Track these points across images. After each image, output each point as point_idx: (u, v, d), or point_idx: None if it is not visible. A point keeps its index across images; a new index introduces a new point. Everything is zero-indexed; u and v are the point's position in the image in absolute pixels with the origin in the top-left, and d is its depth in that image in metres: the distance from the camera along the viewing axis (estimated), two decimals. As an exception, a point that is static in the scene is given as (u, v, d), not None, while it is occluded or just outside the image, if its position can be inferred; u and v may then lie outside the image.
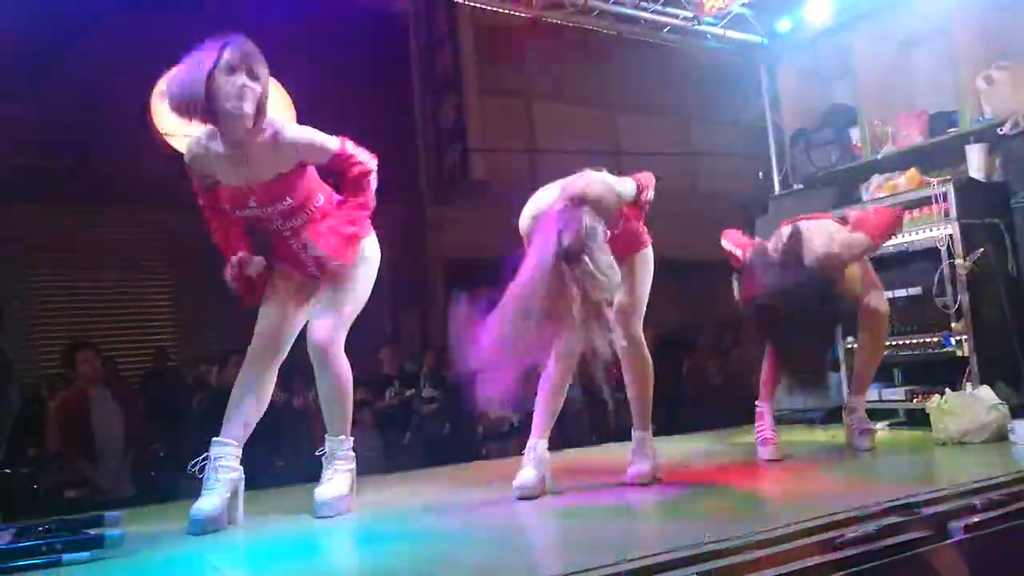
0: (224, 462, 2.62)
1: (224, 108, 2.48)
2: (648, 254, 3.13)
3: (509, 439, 6.77)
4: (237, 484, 2.66)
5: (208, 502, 2.55)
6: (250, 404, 2.74)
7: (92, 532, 2.33)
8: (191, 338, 8.19)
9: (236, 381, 2.80)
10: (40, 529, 2.39)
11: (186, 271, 8.12)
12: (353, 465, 2.88)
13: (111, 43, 7.31)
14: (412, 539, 2.45)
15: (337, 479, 2.80)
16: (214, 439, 2.67)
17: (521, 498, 2.84)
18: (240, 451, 2.70)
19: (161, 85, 7.77)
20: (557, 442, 3.39)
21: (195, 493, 2.63)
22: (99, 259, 7.96)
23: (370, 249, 2.96)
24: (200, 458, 2.62)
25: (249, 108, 2.50)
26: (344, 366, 2.80)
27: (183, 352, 7.93)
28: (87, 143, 7.41)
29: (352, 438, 2.90)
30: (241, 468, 2.68)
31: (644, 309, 3.10)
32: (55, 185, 7.43)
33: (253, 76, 2.51)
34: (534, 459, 2.96)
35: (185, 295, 8.25)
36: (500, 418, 6.77)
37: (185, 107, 2.50)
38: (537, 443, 3.01)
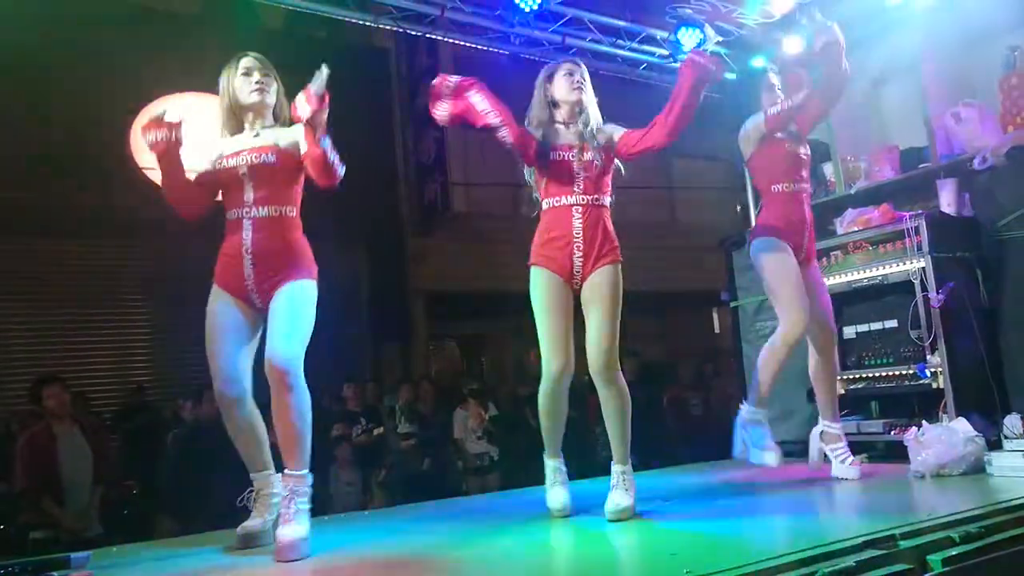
0: (264, 490, 2.92)
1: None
2: (620, 270, 3.10)
3: (490, 473, 6.73)
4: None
5: (254, 522, 2.87)
6: (255, 434, 2.92)
7: (57, 575, 2.26)
8: (166, 373, 8.08)
9: (228, 426, 2.91)
10: (4, 572, 2.32)
11: (161, 304, 8.04)
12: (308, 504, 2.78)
13: (87, 73, 7.31)
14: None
15: (299, 519, 2.69)
16: (252, 474, 2.94)
17: (561, 517, 3.09)
18: (277, 475, 2.90)
19: (141, 118, 7.81)
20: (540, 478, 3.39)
21: (169, 531, 2.59)
22: (72, 292, 7.85)
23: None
24: (245, 492, 2.97)
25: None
26: (305, 392, 2.76)
27: (158, 387, 7.82)
28: (62, 174, 7.36)
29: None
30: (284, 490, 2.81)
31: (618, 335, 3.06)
32: (28, 217, 7.35)
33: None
34: (561, 479, 3.21)
35: (160, 329, 8.15)
36: (480, 454, 6.73)
37: None
38: (559, 464, 3.24)
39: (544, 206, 3.16)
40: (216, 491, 3.59)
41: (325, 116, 2.74)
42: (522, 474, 6.68)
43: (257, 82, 2.95)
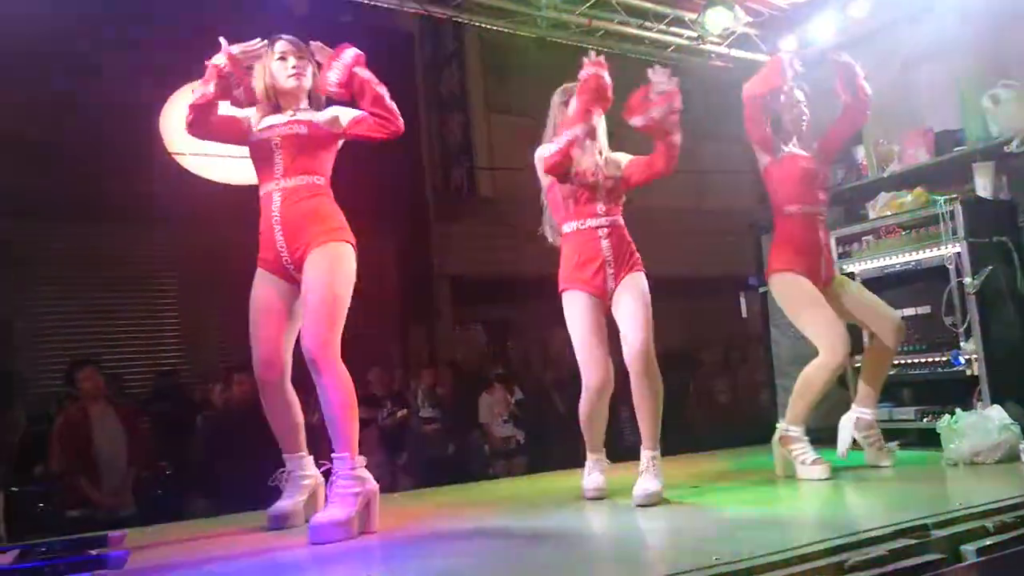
0: (298, 472, 2.97)
1: None
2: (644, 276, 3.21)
3: (516, 457, 6.75)
4: (314, 487, 2.97)
5: (285, 503, 2.92)
6: (289, 416, 2.97)
7: (95, 553, 2.31)
8: (198, 355, 8.19)
9: (264, 405, 2.96)
10: (43, 550, 2.38)
11: (193, 288, 8.13)
12: (360, 488, 2.73)
13: (119, 59, 7.37)
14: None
15: (338, 503, 2.69)
16: (285, 455, 2.99)
17: (596, 498, 3.18)
18: (310, 456, 3.00)
19: (170, 102, 7.88)
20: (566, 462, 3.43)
21: (200, 512, 2.64)
22: (107, 276, 7.97)
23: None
24: (278, 472, 3.00)
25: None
26: (341, 374, 2.75)
27: (190, 369, 7.93)
28: (93, 160, 7.45)
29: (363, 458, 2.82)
30: (317, 472, 2.96)
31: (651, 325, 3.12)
32: (61, 202, 7.46)
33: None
34: (600, 468, 3.30)
35: (192, 313, 8.25)
36: (506, 437, 6.76)
37: None
38: (601, 456, 3.32)
39: (567, 229, 3.24)
40: (248, 472, 3.63)
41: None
42: (548, 457, 6.71)
43: (294, 67, 2.98)
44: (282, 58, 2.99)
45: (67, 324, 7.71)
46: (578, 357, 3.19)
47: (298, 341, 2.81)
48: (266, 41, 2.99)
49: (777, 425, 3.68)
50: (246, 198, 3.05)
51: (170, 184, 7.43)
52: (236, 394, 5.46)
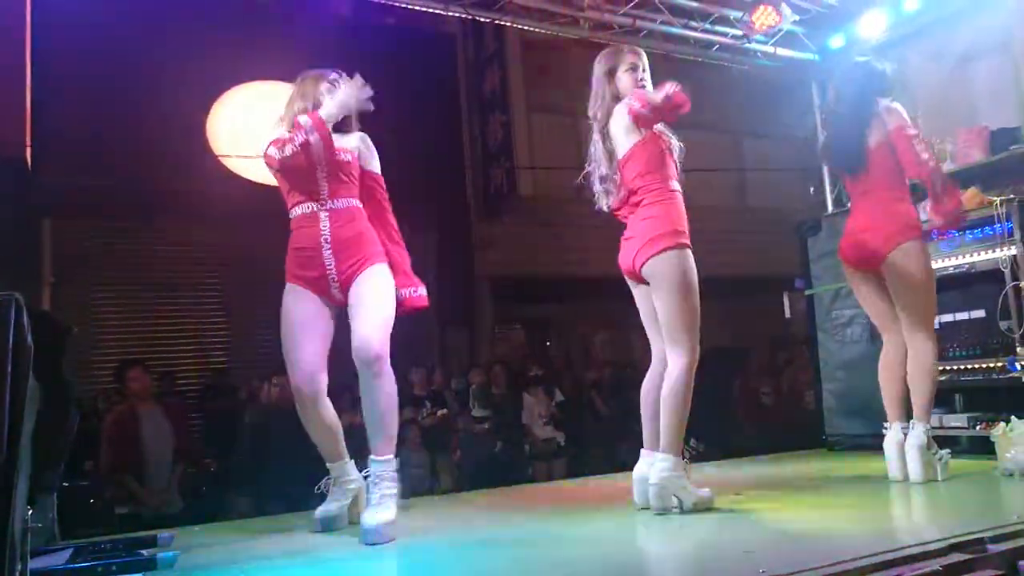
0: (342, 478, 3.02)
1: None
2: (679, 255, 2.99)
3: (557, 459, 6.73)
4: (356, 492, 3.02)
5: (331, 506, 2.98)
6: (332, 426, 3.02)
7: (146, 553, 2.36)
8: (245, 355, 8.32)
9: (303, 420, 2.99)
10: (95, 550, 2.44)
11: (240, 288, 8.27)
12: (397, 488, 2.87)
13: (168, 63, 7.52)
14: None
15: (385, 504, 2.78)
16: (329, 464, 3.03)
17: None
18: (351, 462, 3.06)
19: (218, 105, 8.02)
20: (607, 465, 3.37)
21: (246, 511, 2.69)
22: (158, 276, 8.15)
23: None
24: (325, 479, 3.05)
25: None
26: (392, 377, 2.86)
27: (237, 369, 8.06)
28: (144, 162, 7.62)
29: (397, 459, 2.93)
30: (360, 476, 2.99)
31: (685, 318, 2.96)
32: (111, 204, 7.64)
33: None
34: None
35: (239, 312, 8.39)
36: (547, 439, 6.74)
37: None
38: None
39: (670, 187, 3.08)
40: (292, 472, 3.68)
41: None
42: (589, 460, 6.69)
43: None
44: (333, 83, 3.07)
45: (118, 324, 7.90)
46: (689, 325, 2.97)
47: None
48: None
49: (914, 426, 3.46)
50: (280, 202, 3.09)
51: (217, 185, 7.57)
52: (280, 395, 5.54)
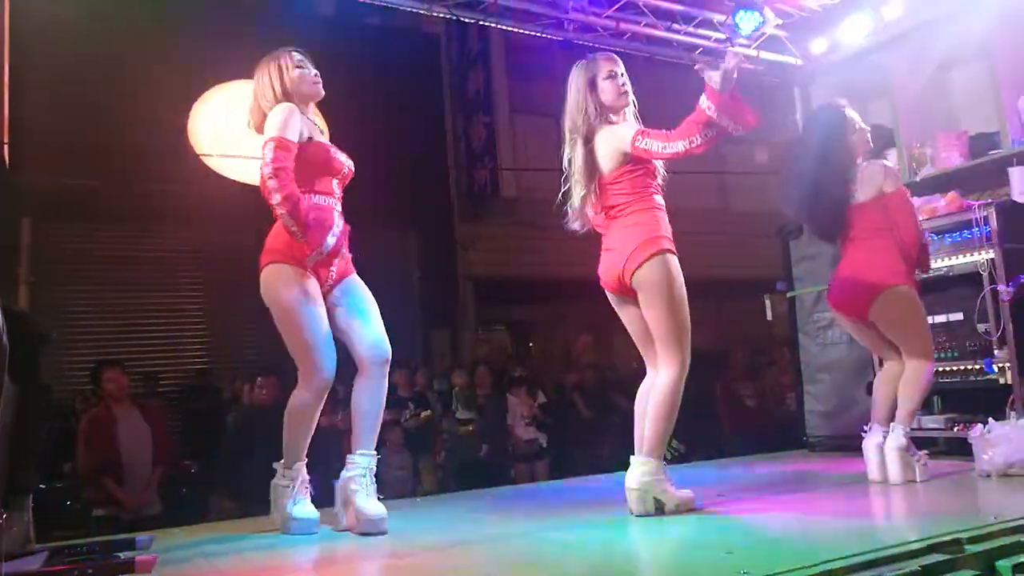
0: (303, 478, 2.98)
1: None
2: (664, 261, 2.97)
3: (540, 460, 6.73)
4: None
5: (311, 507, 2.95)
6: (314, 424, 3.02)
7: (123, 556, 2.33)
8: (224, 356, 8.27)
9: (304, 413, 2.96)
10: (72, 552, 2.40)
11: (220, 289, 8.20)
12: None
13: (149, 63, 7.46)
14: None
15: (375, 496, 2.87)
16: (296, 463, 2.97)
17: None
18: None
19: (198, 105, 7.96)
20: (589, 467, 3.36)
21: (226, 512, 2.68)
22: (135, 276, 8.07)
23: None
24: (299, 481, 2.97)
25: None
26: None
27: (216, 370, 8.00)
28: (125, 162, 7.54)
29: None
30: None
31: (678, 327, 2.96)
32: (91, 203, 7.56)
33: None
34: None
35: (220, 313, 8.33)
36: (529, 440, 6.73)
37: None
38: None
39: (658, 201, 3.08)
40: (273, 474, 3.65)
41: None
42: (571, 462, 6.69)
43: (316, 76, 3.06)
44: (301, 66, 3.04)
45: (96, 324, 7.82)
46: (675, 333, 2.96)
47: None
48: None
49: (894, 429, 3.51)
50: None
51: (198, 185, 7.51)
52: (264, 395, 5.51)
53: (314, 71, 3.07)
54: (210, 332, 8.44)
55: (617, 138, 3.04)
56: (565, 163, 3.19)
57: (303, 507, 2.93)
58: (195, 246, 8.31)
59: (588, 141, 3.09)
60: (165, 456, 5.29)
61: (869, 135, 3.68)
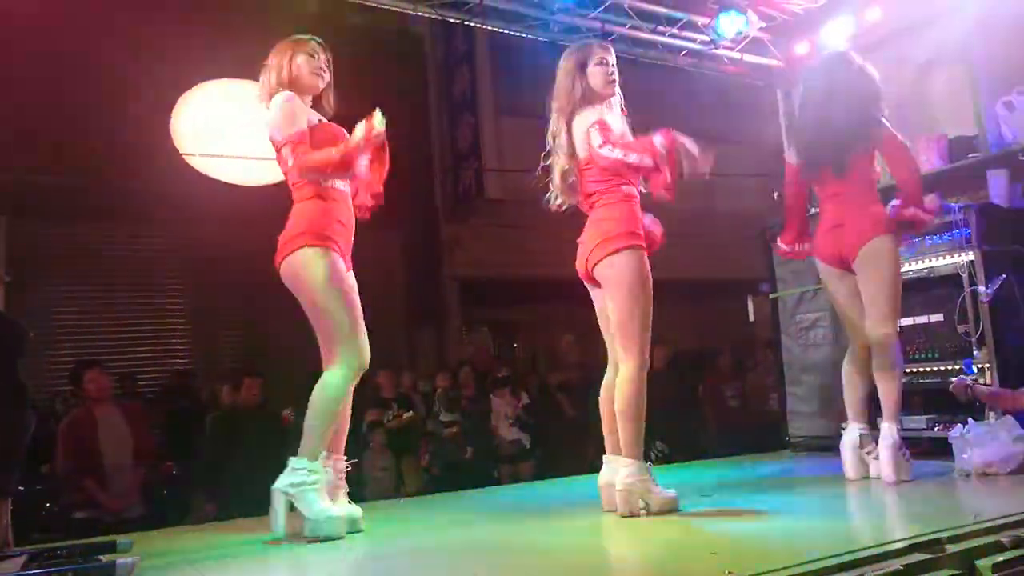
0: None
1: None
2: (630, 256, 3.00)
3: (524, 461, 6.72)
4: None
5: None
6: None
7: (103, 559, 2.30)
8: (206, 358, 8.20)
9: (343, 403, 2.90)
10: (51, 556, 2.37)
11: (203, 289, 8.14)
12: None
13: (130, 60, 7.39)
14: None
15: None
16: (337, 457, 2.92)
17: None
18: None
19: (181, 103, 7.89)
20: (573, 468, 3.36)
21: (208, 514, 2.63)
22: (116, 276, 8.00)
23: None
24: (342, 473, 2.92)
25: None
26: None
27: (198, 372, 7.93)
28: (105, 160, 7.47)
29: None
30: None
31: (637, 320, 2.99)
32: (71, 202, 7.48)
33: None
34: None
35: (202, 313, 8.27)
36: (513, 441, 6.73)
37: None
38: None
39: (626, 191, 3.09)
40: (256, 476, 3.62)
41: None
42: (556, 462, 6.69)
43: (319, 67, 3.05)
44: (311, 54, 3.03)
45: (77, 324, 7.74)
46: (638, 329, 2.98)
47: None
48: None
49: (855, 427, 3.61)
50: (255, 199, 3.05)
51: (180, 185, 7.43)
52: (247, 395, 5.48)
53: (320, 63, 3.04)
54: (193, 332, 8.37)
55: (585, 123, 3.09)
56: (549, 140, 3.25)
57: (332, 507, 2.78)
58: (177, 245, 8.24)
59: (569, 123, 3.15)
60: (147, 458, 5.24)
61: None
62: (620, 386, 2.98)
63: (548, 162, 3.25)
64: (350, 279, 2.94)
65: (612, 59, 3.19)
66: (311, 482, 2.70)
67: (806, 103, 3.77)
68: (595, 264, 3.04)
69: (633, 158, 2.95)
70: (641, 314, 2.99)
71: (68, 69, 7.23)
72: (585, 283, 3.22)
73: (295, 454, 2.82)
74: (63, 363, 7.01)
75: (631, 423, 2.97)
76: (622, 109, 3.23)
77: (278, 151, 2.88)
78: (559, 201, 3.24)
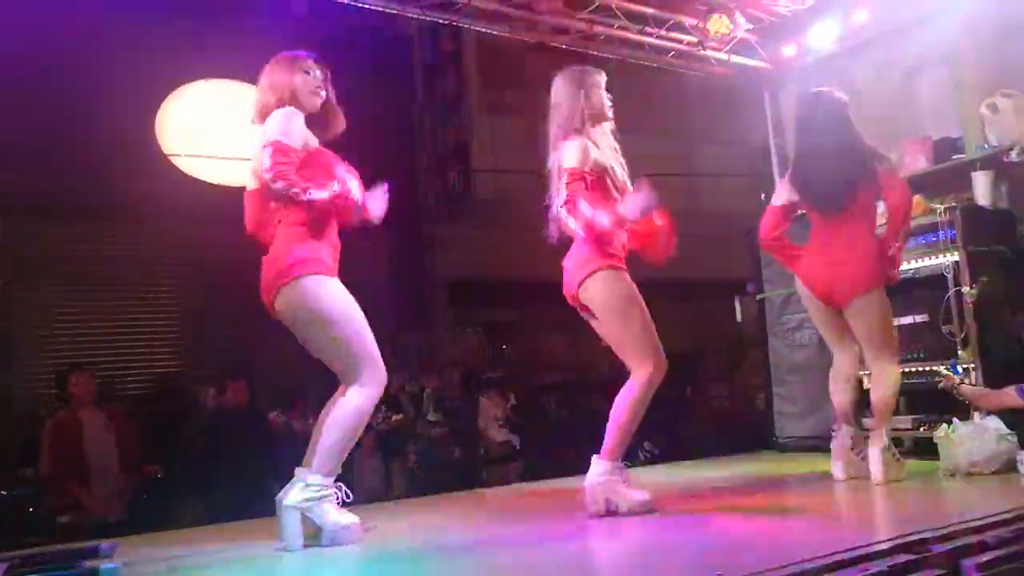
0: None
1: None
2: (602, 277, 3.02)
3: (513, 462, 6.72)
4: None
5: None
6: None
7: (87, 564, 2.28)
8: (192, 361, 8.14)
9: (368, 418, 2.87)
10: (33, 561, 2.35)
11: (189, 292, 8.08)
12: None
13: (116, 60, 7.33)
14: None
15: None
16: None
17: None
18: None
19: (168, 103, 7.84)
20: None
21: (193, 519, 2.60)
22: (103, 279, 7.92)
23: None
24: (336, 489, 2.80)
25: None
26: None
27: (184, 375, 7.87)
28: (88, 160, 7.41)
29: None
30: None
31: (631, 337, 3.01)
32: (57, 203, 7.41)
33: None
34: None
35: (188, 316, 8.21)
36: (503, 442, 6.73)
37: None
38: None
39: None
40: (240, 480, 3.60)
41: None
42: (543, 463, 6.69)
43: (317, 86, 2.95)
44: (307, 72, 2.93)
45: (62, 327, 7.66)
46: (638, 343, 3.00)
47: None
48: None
49: (845, 429, 3.64)
50: (240, 200, 3.00)
51: (166, 185, 7.39)
52: (233, 399, 5.44)
53: (317, 80, 2.94)
54: (179, 335, 8.31)
55: (565, 157, 3.09)
56: (550, 168, 3.21)
57: (347, 514, 2.77)
58: (164, 246, 8.16)
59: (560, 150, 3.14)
60: (132, 461, 5.20)
61: None
62: (626, 390, 3.01)
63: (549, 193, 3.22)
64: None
65: (604, 81, 3.22)
66: (326, 496, 2.71)
67: (805, 140, 3.75)
68: (576, 287, 3.07)
69: (593, 228, 2.95)
70: (633, 330, 3.00)
71: (56, 68, 7.16)
72: (578, 310, 3.20)
73: (287, 459, 2.83)
74: (48, 366, 6.94)
75: (619, 429, 2.99)
76: (612, 134, 3.23)
77: (261, 149, 2.76)
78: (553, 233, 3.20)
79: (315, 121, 2.94)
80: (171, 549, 2.80)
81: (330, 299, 2.75)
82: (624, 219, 2.99)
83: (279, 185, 2.66)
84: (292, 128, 2.77)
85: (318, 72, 2.95)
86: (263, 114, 2.88)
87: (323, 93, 2.96)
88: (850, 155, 3.54)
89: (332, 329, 2.75)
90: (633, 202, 2.99)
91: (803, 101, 3.87)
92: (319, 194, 2.69)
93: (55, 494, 4.84)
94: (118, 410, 5.55)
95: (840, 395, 3.72)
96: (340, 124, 3.03)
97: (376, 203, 2.97)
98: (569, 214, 2.95)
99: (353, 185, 2.81)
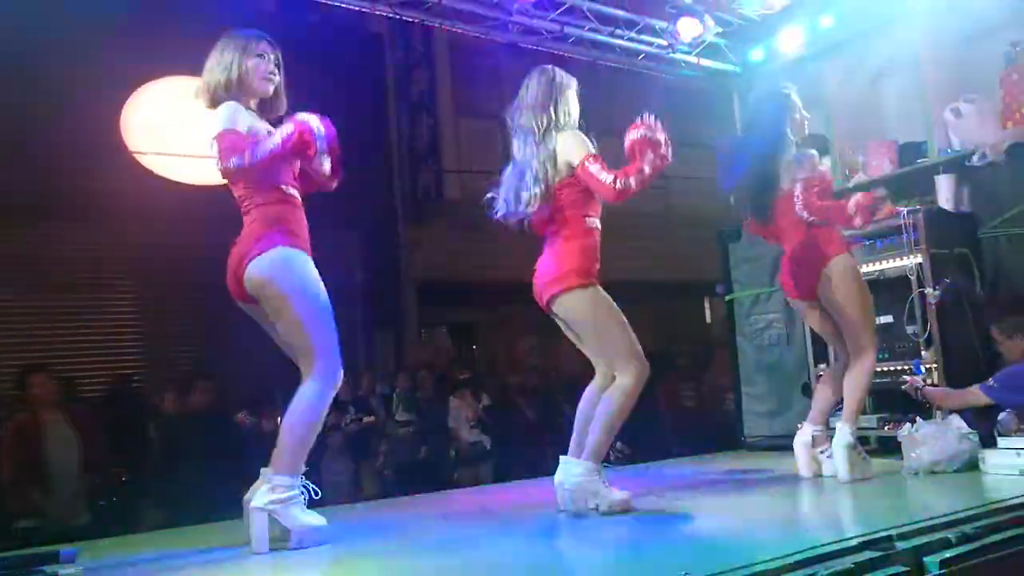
0: None
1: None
2: (577, 296, 3.03)
3: (484, 463, 6.70)
4: None
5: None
6: None
7: (47, 570, 2.23)
8: (155, 361, 8.01)
9: (318, 415, 2.76)
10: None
11: (151, 292, 7.95)
12: None
13: (80, 56, 7.19)
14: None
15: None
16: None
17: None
18: None
19: (131, 102, 7.71)
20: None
21: (156, 522, 2.55)
22: (61, 278, 7.76)
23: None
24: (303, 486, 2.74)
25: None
26: None
27: (147, 375, 7.75)
28: (49, 158, 7.26)
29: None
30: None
31: (613, 347, 3.04)
32: (15, 201, 7.24)
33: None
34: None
35: (150, 316, 8.07)
36: (474, 443, 6.71)
37: None
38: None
39: (588, 224, 3.11)
40: (205, 483, 3.54)
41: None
42: (514, 464, 6.69)
43: (270, 71, 2.86)
44: (261, 55, 2.83)
45: (21, 327, 7.49)
46: (621, 349, 3.01)
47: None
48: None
49: (808, 427, 3.69)
50: (206, 198, 2.96)
51: (129, 183, 7.26)
52: (197, 400, 5.35)
53: (271, 65, 2.86)
54: (143, 335, 8.17)
55: (569, 149, 3.08)
56: (515, 155, 3.20)
57: (314, 515, 2.72)
58: (126, 245, 8.02)
59: (547, 144, 3.11)
60: (94, 464, 5.09)
61: (806, 123, 3.79)
62: (613, 394, 3.01)
63: (502, 177, 3.23)
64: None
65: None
66: (293, 497, 2.65)
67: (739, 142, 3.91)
68: (548, 299, 3.08)
69: (632, 184, 2.95)
70: (614, 335, 3.02)
71: (8, 65, 7.01)
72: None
73: (256, 460, 2.77)
74: (7, 367, 6.78)
75: (605, 433, 3.01)
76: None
77: (213, 141, 2.69)
78: (501, 214, 3.20)
79: (259, 104, 2.87)
80: (136, 554, 2.75)
81: (299, 272, 2.70)
82: None
83: (233, 161, 2.59)
84: (237, 119, 2.71)
85: (271, 56, 2.86)
86: (212, 96, 2.79)
87: (276, 79, 2.88)
88: (776, 159, 3.63)
89: (295, 305, 2.66)
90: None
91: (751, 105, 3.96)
92: (273, 141, 2.61)
93: (14, 497, 4.73)
94: (81, 411, 5.44)
95: (824, 394, 3.77)
96: (282, 107, 2.94)
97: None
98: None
99: (312, 119, 2.69)
